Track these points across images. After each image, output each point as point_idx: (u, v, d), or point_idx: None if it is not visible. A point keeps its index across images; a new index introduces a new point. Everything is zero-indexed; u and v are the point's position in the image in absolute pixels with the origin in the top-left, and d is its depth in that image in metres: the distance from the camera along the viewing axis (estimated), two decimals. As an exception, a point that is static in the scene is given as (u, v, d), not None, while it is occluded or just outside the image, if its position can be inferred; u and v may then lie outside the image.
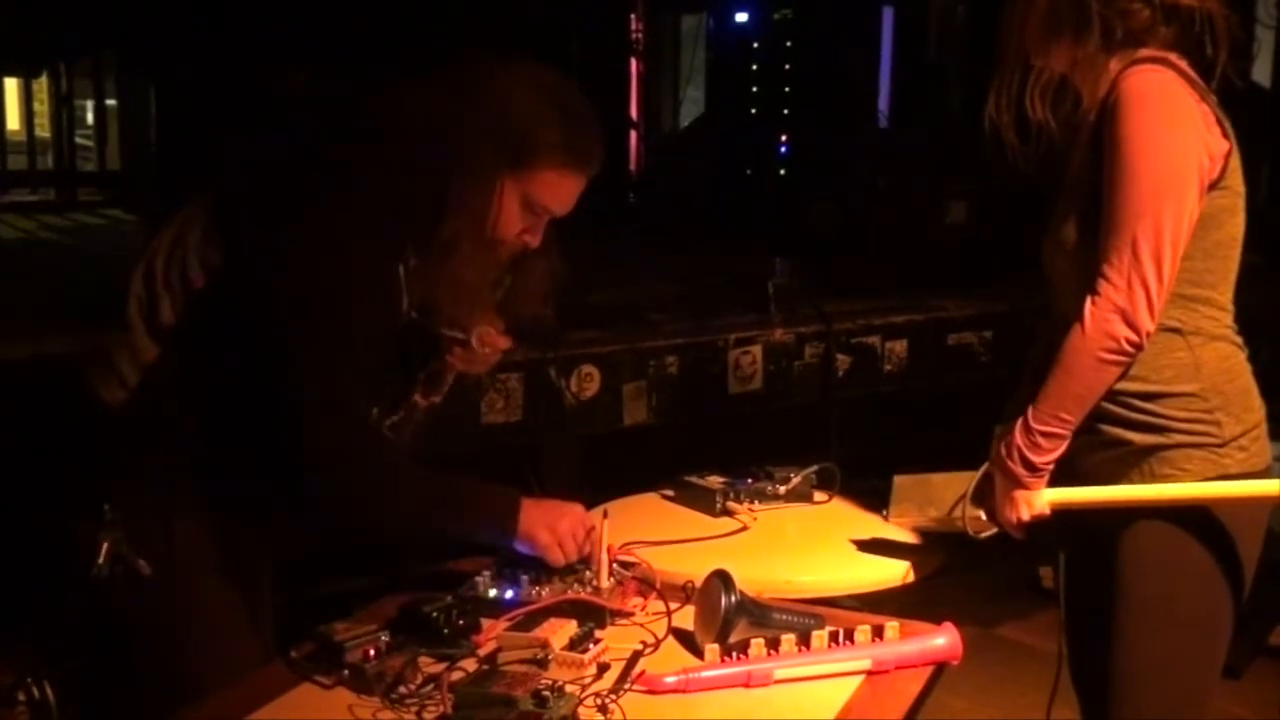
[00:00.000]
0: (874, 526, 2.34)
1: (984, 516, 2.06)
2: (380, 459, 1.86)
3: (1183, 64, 1.92)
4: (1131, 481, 1.97)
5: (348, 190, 1.83)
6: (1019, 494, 2.00)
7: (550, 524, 1.96)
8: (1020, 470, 1.97)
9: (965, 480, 2.10)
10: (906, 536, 2.27)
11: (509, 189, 1.92)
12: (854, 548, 2.30)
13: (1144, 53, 1.92)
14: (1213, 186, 1.90)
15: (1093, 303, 1.89)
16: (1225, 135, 1.92)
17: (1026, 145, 2.03)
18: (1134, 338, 1.88)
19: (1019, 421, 1.98)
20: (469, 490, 1.95)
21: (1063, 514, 2.01)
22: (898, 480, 2.25)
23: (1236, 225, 1.96)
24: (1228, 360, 1.98)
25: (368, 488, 1.83)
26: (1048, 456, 1.96)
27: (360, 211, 1.82)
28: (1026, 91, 2.00)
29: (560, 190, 1.97)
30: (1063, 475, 2.01)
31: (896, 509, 2.23)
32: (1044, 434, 1.95)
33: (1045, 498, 2.00)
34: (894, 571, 2.24)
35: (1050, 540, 2.07)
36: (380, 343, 1.89)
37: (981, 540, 2.08)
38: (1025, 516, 2.00)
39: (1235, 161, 1.93)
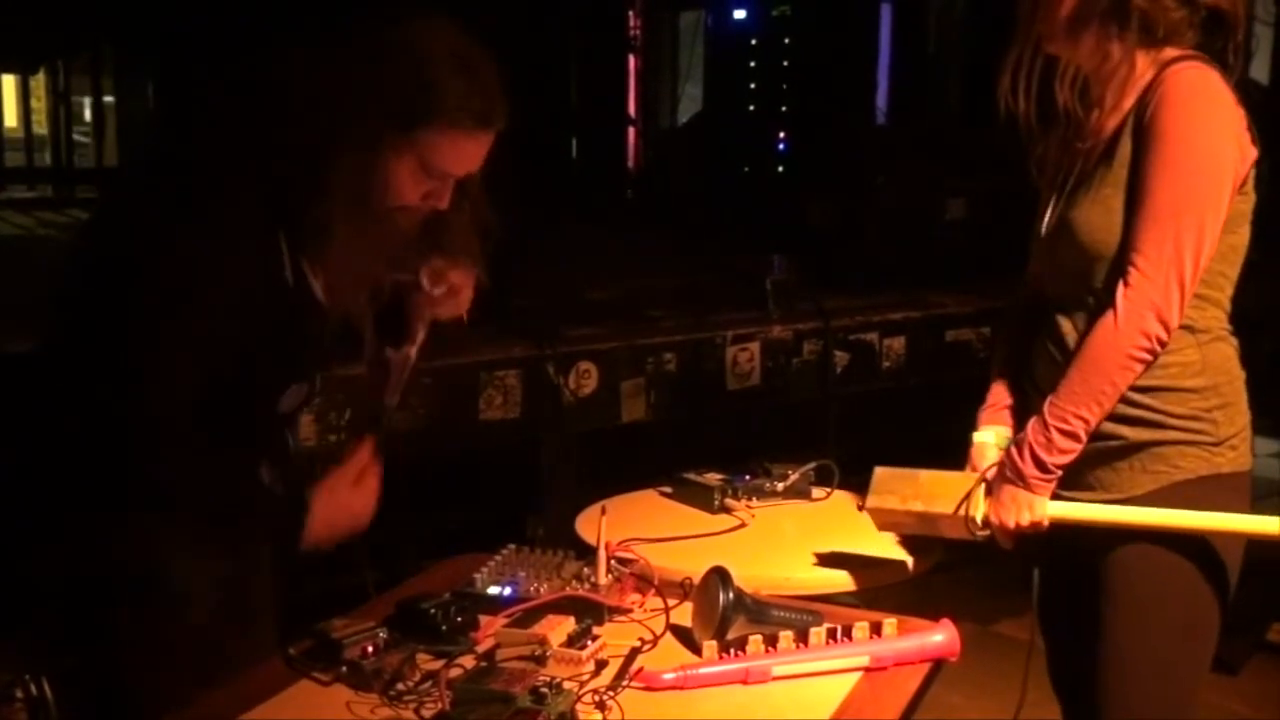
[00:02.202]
0: (872, 523, 2.34)
1: (979, 519, 2.00)
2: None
3: (1214, 65, 1.90)
4: (1120, 475, 1.95)
5: (200, 179, 1.78)
6: (1021, 496, 1.95)
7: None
8: (1030, 469, 1.93)
9: (952, 479, 2.05)
10: (893, 537, 2.24)
11: (399, 155, 1.78)
12: (852, 544, 2.30)
13: (1172, 51, 1.90)
14: (1237, 190, 1.89)
15: (1125, 296, 1.85)
16: (1254, 140, 1.90)
17: (1020, 130, 2.00)
18: (1164, 336, 1.86)
19: (1033, 420, 1.94)
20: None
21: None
22: (879, 471, 2.14)
23: (1247, 230, 1.95)
24: (1229, 361, 1.97)
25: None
26: (1060, 459, 1.92)
27: (211, 197, 1.75)
28: (1057, 79, 1.96)
29: (457, 152, 1.82)
30: None
31: (875, 498, 2.11)
32: (1060, 431, 1.90)
33: (1048, 509, 1.95)
34: (892, 568, 2.24)
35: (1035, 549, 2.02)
36: (242, 325, 1.77)
37: (976, 540, 2.04)
38: (1024, 521, 1.95)
39: (1253, 168, 1.92)
